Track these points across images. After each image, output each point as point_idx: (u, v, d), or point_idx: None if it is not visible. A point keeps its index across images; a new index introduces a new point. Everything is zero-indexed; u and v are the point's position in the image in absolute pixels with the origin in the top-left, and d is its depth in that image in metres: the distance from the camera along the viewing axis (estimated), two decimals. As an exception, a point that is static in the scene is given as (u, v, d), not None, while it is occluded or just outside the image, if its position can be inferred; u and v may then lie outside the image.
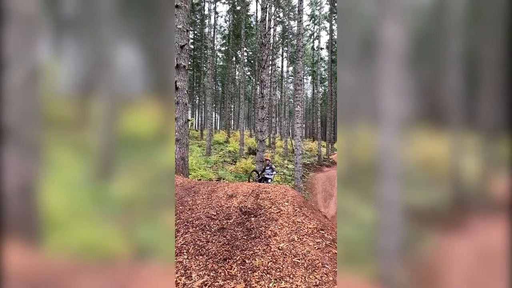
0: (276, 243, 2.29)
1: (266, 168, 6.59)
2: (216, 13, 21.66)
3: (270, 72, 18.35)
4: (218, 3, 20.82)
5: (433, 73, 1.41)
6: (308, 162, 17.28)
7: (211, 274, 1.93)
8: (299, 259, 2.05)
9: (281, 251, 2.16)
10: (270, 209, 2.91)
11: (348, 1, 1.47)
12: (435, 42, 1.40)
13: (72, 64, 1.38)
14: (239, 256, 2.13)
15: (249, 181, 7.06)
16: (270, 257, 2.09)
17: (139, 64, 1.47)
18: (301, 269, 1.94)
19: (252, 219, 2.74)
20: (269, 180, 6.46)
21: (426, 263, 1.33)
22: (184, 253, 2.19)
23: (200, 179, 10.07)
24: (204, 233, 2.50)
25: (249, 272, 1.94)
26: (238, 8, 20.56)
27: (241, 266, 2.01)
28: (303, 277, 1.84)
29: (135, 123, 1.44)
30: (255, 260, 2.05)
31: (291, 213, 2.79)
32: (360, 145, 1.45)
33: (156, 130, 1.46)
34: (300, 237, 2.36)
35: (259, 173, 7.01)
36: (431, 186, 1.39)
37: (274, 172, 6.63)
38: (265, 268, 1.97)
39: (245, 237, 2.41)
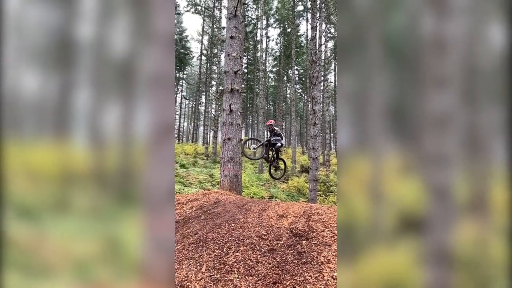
0: (329, 271, 2.11)
1: (271, 134, 5.63)
2: (268, 37, 22.89)
3: (322, 88, 17.99)
4: (269, 28, 22.04)
5: None
6: (368, 182, 15.73)
7: (260, 297, 1.89)
8: (356, 293, 1.83)
9: (335, 281, 1.97)
10: (323, 232, 2.74)
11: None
12: None
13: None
14: (289, 281, 2.04)
15: (243, 152, 5.97)
16: (322, 287, 1.93)
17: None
18: (359, 305, 1.72)
19: (303, 242, 2.62)
20: (278, 144, 5.53)
21: None
22: (235, 272, 2.22)
23: (252, 197, 10.24)
24: (254, 253, 2.50)
25: (300, 300, 1.82)
26: (288, 30, 21.31)
27: (291, 293, 1.91)
28: (362, 315, 1.63)
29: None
30: (306, 288, 1.93)
31: (347, 238, 2.55)
32: None
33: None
34: (358, 267, 2.12)
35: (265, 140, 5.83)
36: None
37: (280, 138, 5.59)
38: (317, 298, 1.82)
39: (296, 261, 2.31)
